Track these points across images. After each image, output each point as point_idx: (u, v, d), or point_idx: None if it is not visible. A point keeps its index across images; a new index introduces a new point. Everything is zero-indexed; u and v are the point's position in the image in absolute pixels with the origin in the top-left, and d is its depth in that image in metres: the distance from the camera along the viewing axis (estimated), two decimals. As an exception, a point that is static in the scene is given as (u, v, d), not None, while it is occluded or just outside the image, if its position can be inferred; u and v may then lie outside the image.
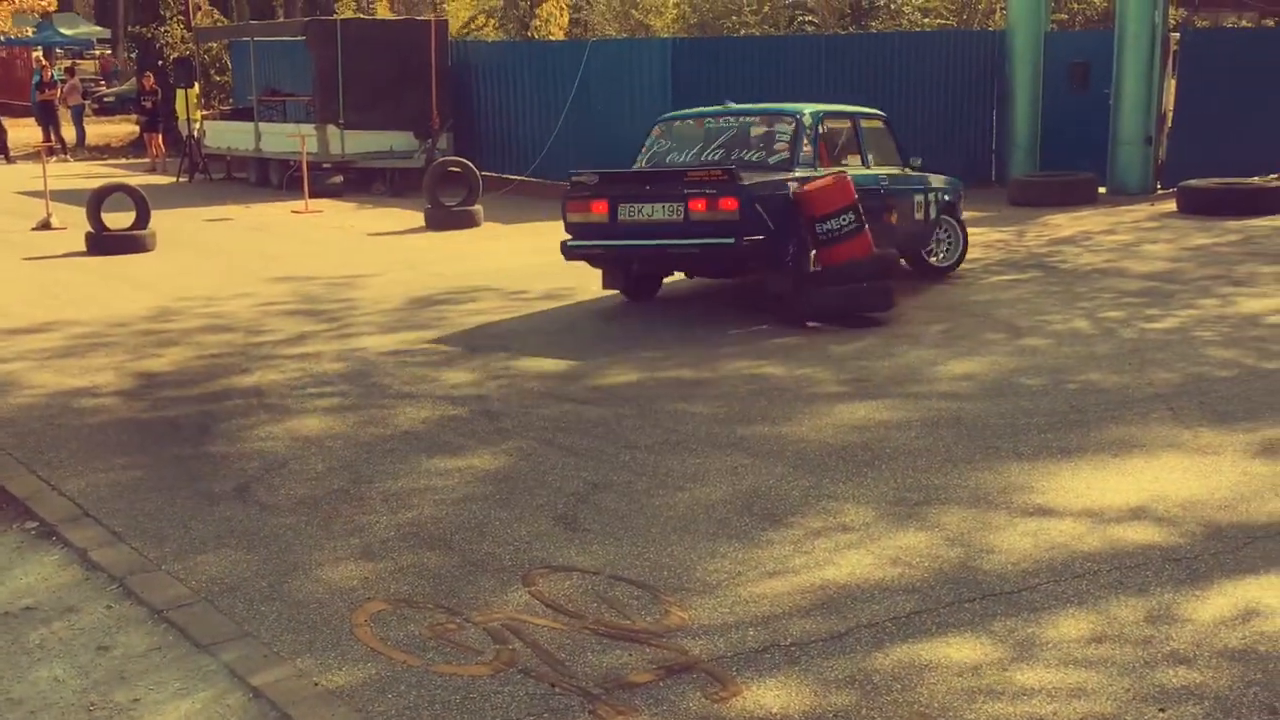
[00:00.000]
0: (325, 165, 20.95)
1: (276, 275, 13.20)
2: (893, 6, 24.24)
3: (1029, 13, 19.04)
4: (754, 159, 10.97)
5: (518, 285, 12.39)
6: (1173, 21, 22.89)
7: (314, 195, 19.39)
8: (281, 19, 34.59)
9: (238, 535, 6.08)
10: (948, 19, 23.83)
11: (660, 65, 18.32)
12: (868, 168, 11.58)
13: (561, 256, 11.09)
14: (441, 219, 16.71)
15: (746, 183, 10.21)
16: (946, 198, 12.50)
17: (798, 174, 10.66)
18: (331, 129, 21.00)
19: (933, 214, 12.24)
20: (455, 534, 6.04)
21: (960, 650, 4.80)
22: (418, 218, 16.91)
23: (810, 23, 24.84)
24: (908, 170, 12.17)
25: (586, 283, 12.23)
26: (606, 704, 4.42)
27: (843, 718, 4.32)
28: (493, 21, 30.87)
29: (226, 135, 23.91)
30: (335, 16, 27.79)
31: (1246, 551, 5.71)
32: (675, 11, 25.64)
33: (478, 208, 16.99)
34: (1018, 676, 4.60)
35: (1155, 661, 4.70)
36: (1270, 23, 25.67)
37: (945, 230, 12.51)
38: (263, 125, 22.57)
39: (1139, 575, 5.46)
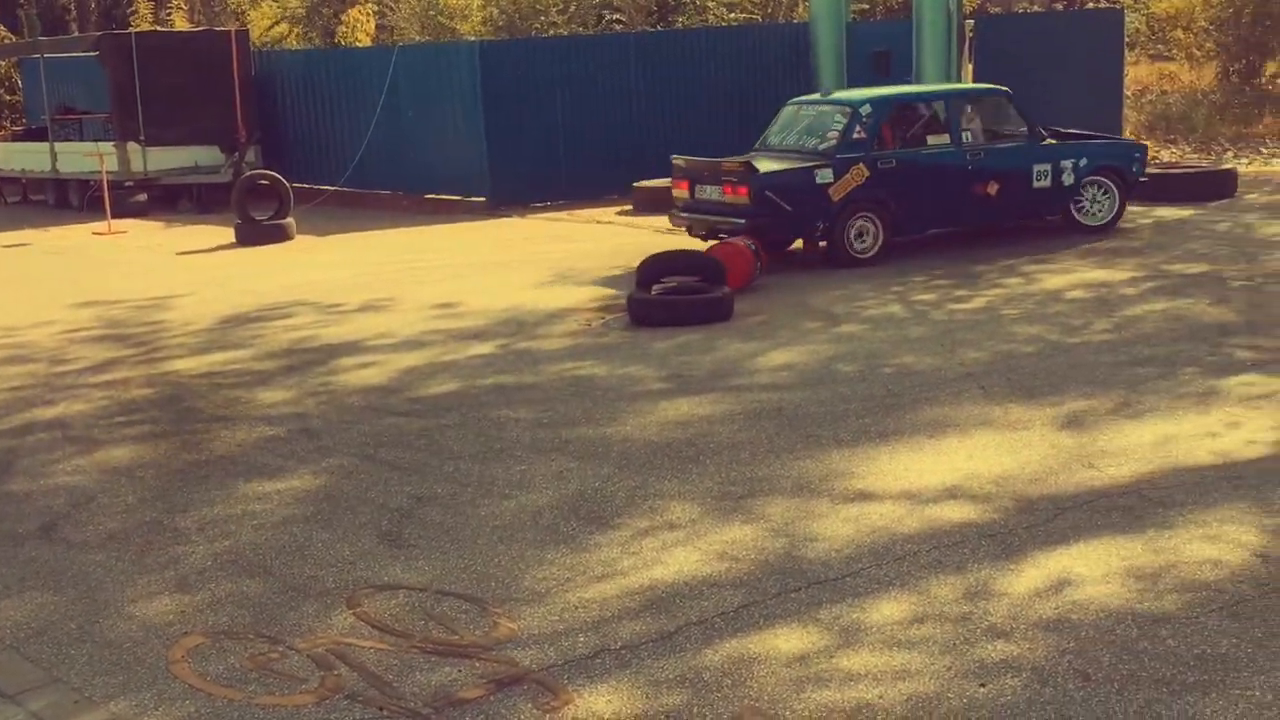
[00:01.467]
0: (127, 184, 20.24)
1: (79, 300, 12.71)
2: (698, 3, 24.44)
3: (830, 4, 19.40)
4: (813, 145, 12.76)
5: (334, 299, 12.15)
6: (969, 9, 23.61)
7: (117, 215, 18.74)
8: (75, 34, 33.34)
9: (44, 576, 5.82)
10: (752, 13, 24.15)
11: (469, 69, 18.17)
12: (957, 144, 12.97)
13: (379, 269, 11.37)
14: (252, 234, 16.29)
15: (762, 171, 12.34)
16: (1098, 163, 13.57)
17: (844, 157, 12.44)
18: (132, 146, 20.30)
19: (1068, 180, 13.35)
20: (275, 559, 5.88)
21: (788, 641, 4.85)
22: (227, 234, 16.47)
23: (618, 21, 24.92)
24: (1046, 141, 13.44)
25: (405, 292, 12.07)
26: (436, 723, 4.35)
27: (674, 717, 4.32)
28: (296, 30, 30.25)
29: (20, 157, 22.93)
30: (130, 30, 26.89)
31: (1057, 523, 5.89)
32: (481, 14, 25.46)
33: (289, 221, 16.62)
34: (844, 662, 4.66)
35: (974, 637, 4.81)
36: (1060, 5, 26.68)
37: (1101, 191, 13.61)
38: (59, 145, 21.72)
39: (956, 553, 5.60)
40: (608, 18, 25.05)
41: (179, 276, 14.00)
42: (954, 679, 4.51)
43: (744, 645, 4.83)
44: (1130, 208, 15.01)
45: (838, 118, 12.84)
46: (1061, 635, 4.81)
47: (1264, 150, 19.21)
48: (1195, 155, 19.20)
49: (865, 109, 12.73)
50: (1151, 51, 25.50)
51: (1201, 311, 9.90)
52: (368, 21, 27.65)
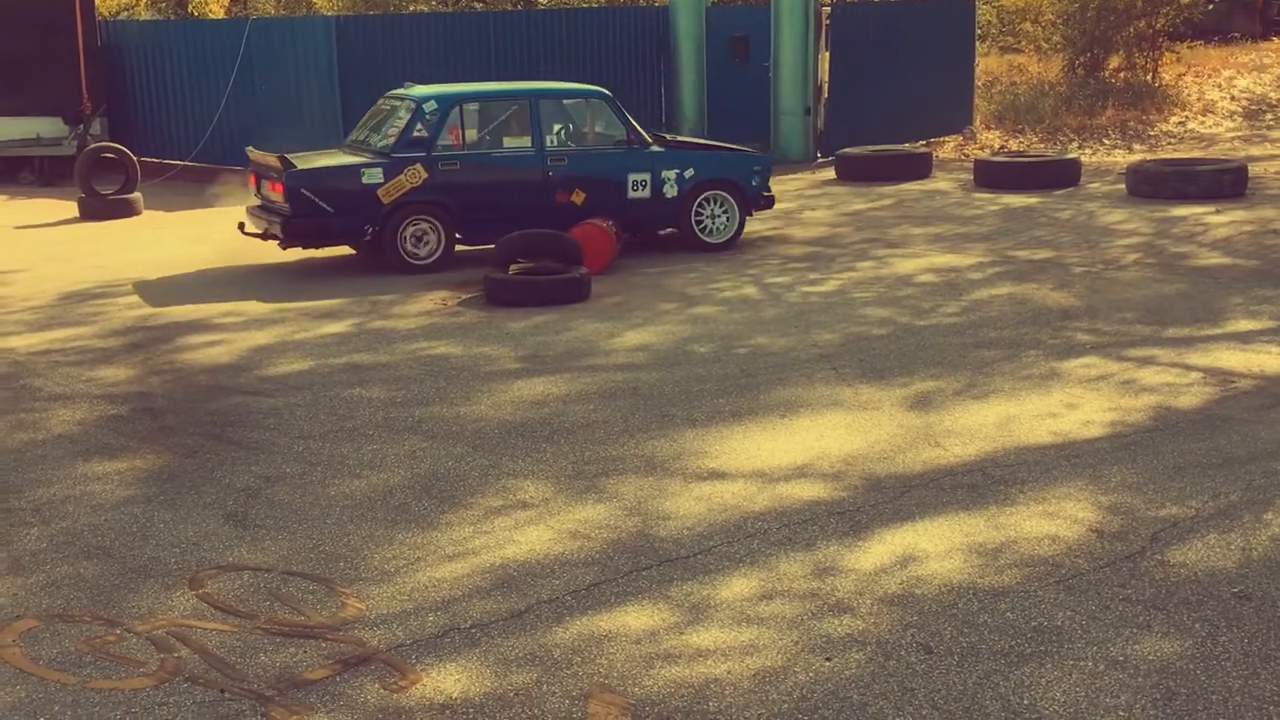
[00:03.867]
0: (-37, 155, 19.47)
1: (-89, 275, 12.19)
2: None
3: (690, -11, 19.53)
4: (376, 143, 12.10)
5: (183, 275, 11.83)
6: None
7: (-47, 187, 18.02)
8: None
9: None
10: (613, -4, 24.13)
11: (325, 44, 17.81)
12: (539, 148, 12.04)
13: (230, 243, 12.03)
14: (97, 209, 15.77)
15: (301, 168, 11.57)
16: (708, 175, 12.48)
17: (401, 156, 11.69)
18: (-33, 116, 19.52)
19: (670, 192, 12.31)
20: (115, 540, 5.71)
21: (639, 618, 4.87)
22: (71, 208, 15.93)
23: (480, 1, 24.72)
24: (651, 147, 12.41)
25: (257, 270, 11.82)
26: (280, 705, 4.27)
27: (523, 696, 4.31)
28: (145, 0, 29.38)
29: None
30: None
31: (903, 500, 6.01)
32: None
33: (136, 196, 16.13)
34: (693, 639, 4.70)
35: (821, 613, 4.89)
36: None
37: (719, 206, 12.52)
38: (-112, 115, 20.78)
39: (806, 531, 5.67)
40: (467, -4, 24.84)
41: (17, 252, 13.50)
42: (800, 654, 4.57)
43: (594, 623, 4.83)
44: (978, 194, 15.36)
45: (402, 114, 12.06)
46: (905, 610, 4.91)
47: (1106, 141, 19.80)
48: (1042, 145, 19.70)
49: (429, 105, 11.87)
50: (1002, 43, 26.09)
51: (1045, 296, 10.18)
52: (221, -7, 26.97)
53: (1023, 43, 24.89)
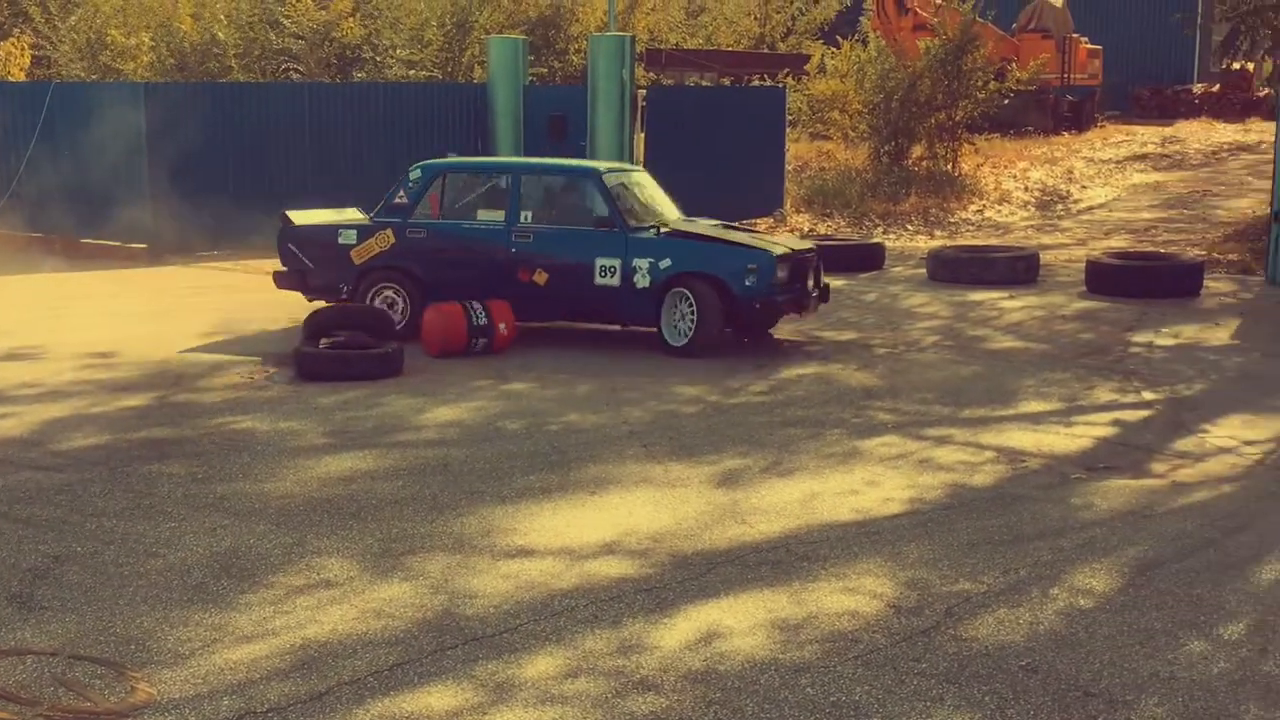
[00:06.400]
0: None
1: None
2: (378, 58, 24.29)
3: (508, 67, 19.69)
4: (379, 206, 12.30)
5: (-28, 344, 11.36)
6: (644, 80, 24.38)
7: None
8: None
9: None
10: (433, 71, 24.18)
11: (134, 110, 17.41)
12: (510, 223, 11.62)
13: (28, 315, 11.81)
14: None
15: (295, 224, 12.24)
16: (688, 267, 11.13)
17: (378, 220, 12.00)
18: None
19: (641, 282, 11.15)
20: (-113, 625, 5.41)
21: (441, 698, 4.81)
22: None
23: (296, 71, 24.48)
24: (636, 233, 11.36)
25: (55, 341, 11.40)
26: (61, 797, 4.08)
27: (321, 781, 4.21)
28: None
29: None
30: None
31: (709, 577, 6.08)
32: (150, 56, 24.49)
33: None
34: (496, 719, 4.65)
35: (626, 690, 4.90)
36: (727, 81, 27.87)
37: (688, 304, 11.06)
38: None
39: (612, 608, 5.69)
40: (285, 66, 24.58)
41: None
42: (604, 732, 4.57)
43: (396, 704, 4.75)
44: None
45: (403, 178, 12.23)
46: (709, 686, 4.96)
47: (909, 227, 20.54)
48: (849, 229, 20.34)
49: (414, 173, 12.11)
50: (812, 130, 26.93)
51: (849, 376, 10.47)
52: (22, 55, 26.11)
53: (831, 130, 25.73)
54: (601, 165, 13.18)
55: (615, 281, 11.27)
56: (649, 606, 5.71)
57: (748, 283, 10.96)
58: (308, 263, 12.07)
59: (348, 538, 6.54)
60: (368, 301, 11.71)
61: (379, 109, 19.18)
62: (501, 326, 11.09)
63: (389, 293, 11.77)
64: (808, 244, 12.56)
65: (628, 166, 14.36)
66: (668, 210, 12.11)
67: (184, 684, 4.88)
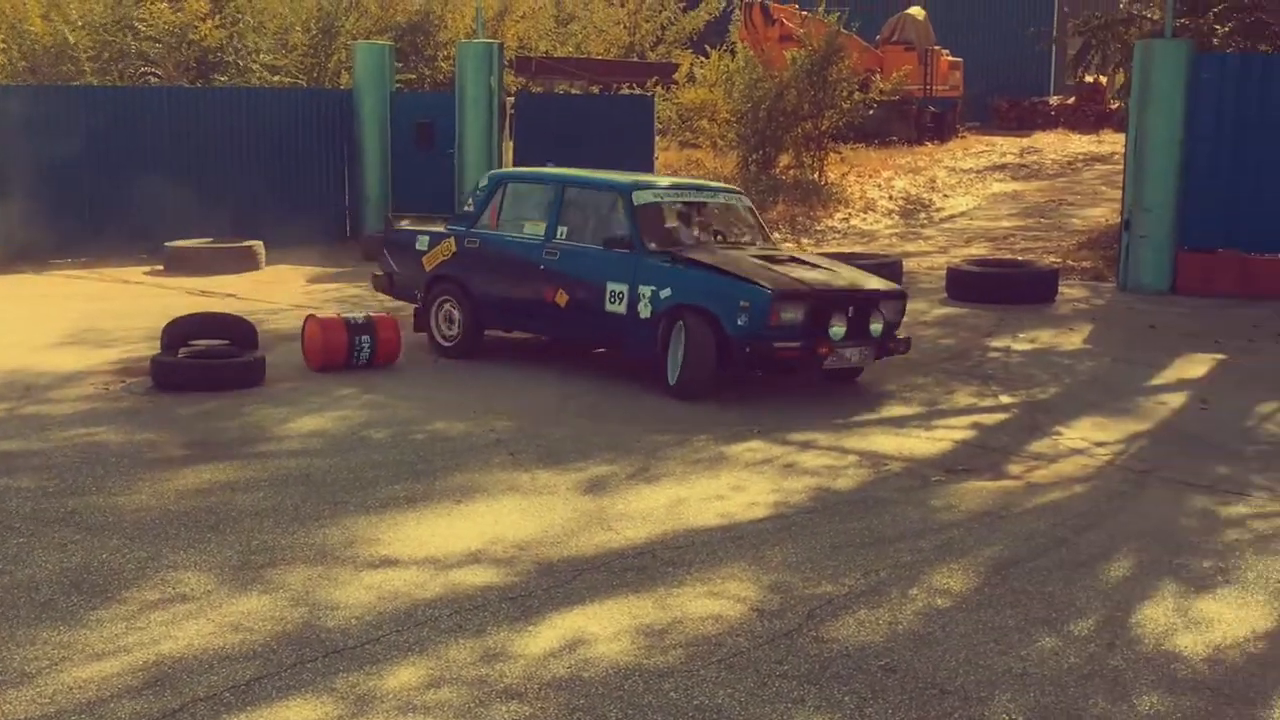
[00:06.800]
0: None
1: None
2: (240, 63, 23.84)
3: (374, 73, 19.49)
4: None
5: None
6: (513, 87, 24.30)
7: None
8: None
9: None
10: (297, 77, 23.81)
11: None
12: (548, 237, 10.84)
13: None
14: None
15: (393, 228, 12.41)
16: (683, 300, 9.84)
17: (451, 228, 11.72)
18: None
19: (644, 312, 10.00)
20: None
21: (300, 712, 4.73)
22: None
23: (154, 74, 23.91)
24: (649, 256, 10.16)
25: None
26: (-103, 825, 3.92)
27: (173, 800, 4.10)
28: None
29: None
30: None
31: (575, 584, 6.07)
32: (1, 59, 23.71)
33: None
34: (357, 731, 4.59)
35: (489, 699, 4.86)
36: (596, 90, 27.92)
37: (682, 338, 9.84)
38: None
39: (477, 617, 5.65)
40: (143, 70, 24.00)
41: None
42: (466, 742, 4.53)
43: (253, 719, 4.65)
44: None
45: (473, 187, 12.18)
46: (573, 693, 4.94)
47: (776, 234, 20.78)
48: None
49: (482, 181, 11.96)
50: (681, 138, 27.11)
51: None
52: None
53: (700, 139, 25.92)
54: (651, 180, 11.78)
55: (622, 309, 10.18)
56: (514, 615, 5.68)
57: (740, 321, 9.52)
58: (395, 267, 12.00)
59: (205, 551, 6.40)
60: (431, 313, 11.44)
61: (241, 115, 18.83)
62: (384, 340, 10.72)
63: (448, 305, 11.36)
64: (878, 283, 10.47)
65: (708, 185, 12.50)
66: (748, 239, 11.04)
67: (30, 704, 4.72)
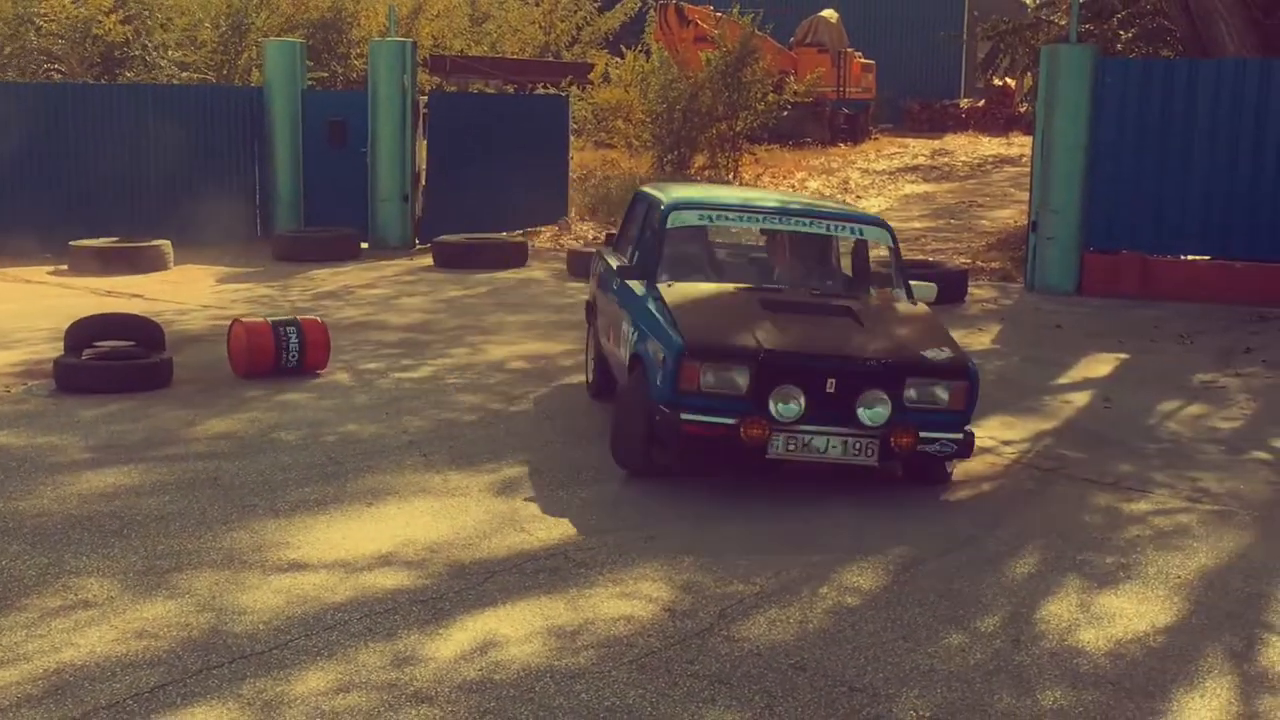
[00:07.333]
0: None
1: None
2: (148, 59, 23.46)
3: (285, 71, 19.24)
4: None
5: None
6: (427, 86, 24.16)
7: None
8: None
9: None
10: (206, 74, 23.48)
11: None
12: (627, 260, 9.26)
13: None
14: None
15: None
16: (637, 345, 7.98)
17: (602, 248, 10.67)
18: None
19: (625, 355, 8.32)
20: None
21: (206, 719, 4.66)
22: None
23: (57, 71, 23.47)
24: (653, 287, 8.32)
25: None
26: None
27: (74, 811, 4.03)
28: None
29: None
30: None
31: (487, 586, 6.05)
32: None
33: None
34: (264, 738, 4.54)
35: (399, 703, 4.84)
36: (511, 89, 27.84)
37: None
38: None
39: (387, 620, 5.61)
40: (46, 66, 23.54)
41: None
42: (375, 747, 4.50)
43: (157, 727, 4.59)
44: (571, 283, 15.67)
45: None
46: (484, 696, 4.93)
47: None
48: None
49: (632, 198, 10.23)
50: (596, 138, 27.14)
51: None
52: None
53: (615, 139, 25.97)
54: (720, 194, 9.95)
55: (622, 351, 8.46)
56: (425, 618, 5.65)
57: (657, 382, 7.50)
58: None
59: (109, 556, 6.29)
60: (588, 337, 9.97)
61: (148, 112, 18.50)
62: (313, 342, 10.39)
63: (592, 327, 9.90)
64: (919, 351, 7.71)
65: (820, 207, 10.00)
66: (844, 276, 9.06)
67: (-75, 715, 4.62)
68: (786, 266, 9.08)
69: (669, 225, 8.70)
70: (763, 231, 9.40)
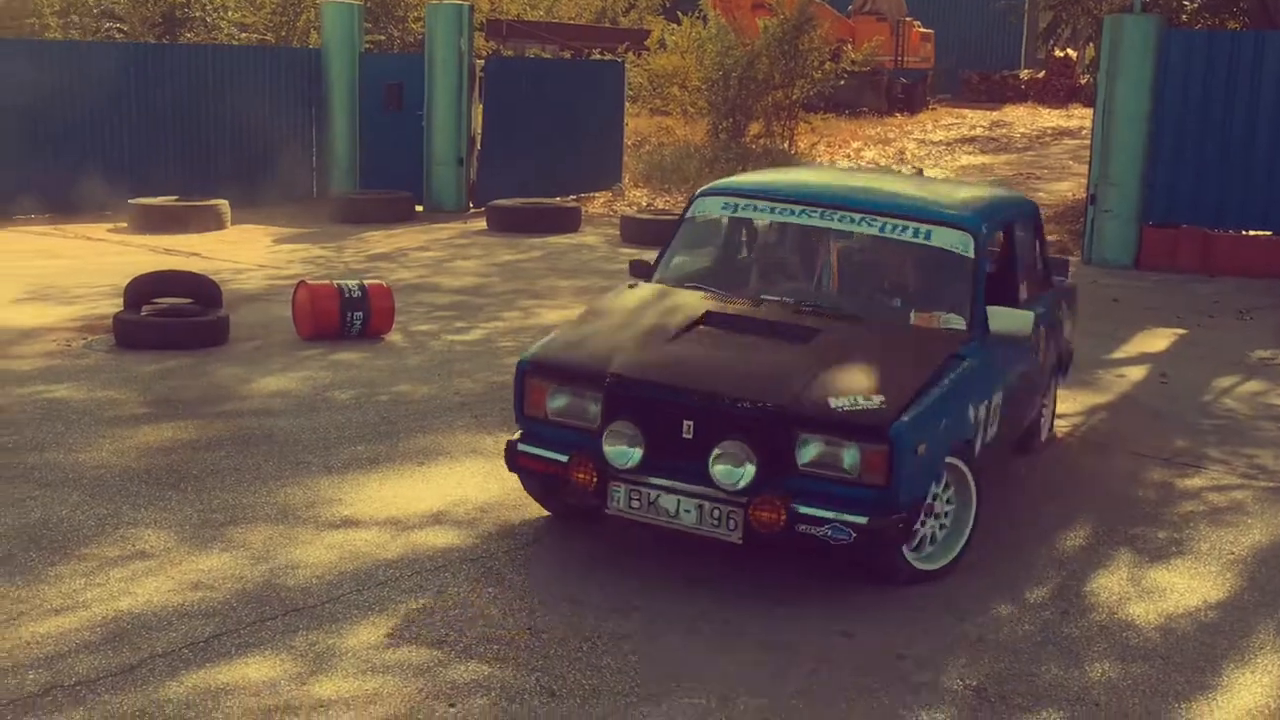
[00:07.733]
0: None
1: None
2: (209, 20, 23.63)
3: (343, 33, 19.32)
4: None
5: None
6: (484, 51, 24.16)
7: None
8: None
9: None
10: (265, 35, 23.60)
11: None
12: None
13: None
14: None
15: None
16: None
17: None
18: None
19: None
20: None
21: (259, 670, 4.74)
22: None
23: (120, 30, 23.67)
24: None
25: None
26: None
27: (130, 755, 4.11)
28: None
29: None
30: None
31: (534, 548, 6.09)
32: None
33: None
34: (316, 689, 4.61)
35: (448, 660, 4.89)
36: (567, 54, 27.81)
37: None
38: None
39: (438, 578, 5.66)
40: (108, 25, 23.76)
41: None
42: (425, 700, 4.56)
43: (212, 676, 4.67)
44: (624, 249, 15.67)
45: None
46: (532, 654, 4.97)
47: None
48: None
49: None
50: (651, 105, 27.04)
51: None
52: None
53: (671, 106, 25.86)
54: (769, 182, 7.54)
55: None
56: (474, 576, 5.70)
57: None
58: None
59: (166, 509, 6.38)
60: None
61: (207, 73, 18.64)
62: (379, 308, 10.36)
63: None
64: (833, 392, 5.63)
65: (888, 195, 7.19)
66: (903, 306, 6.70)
67: (-13, 658, 4.72)
68: (832, 272, 7.06)
69: (690, 213, 7.25)
70: (802, 229, 7.16)
